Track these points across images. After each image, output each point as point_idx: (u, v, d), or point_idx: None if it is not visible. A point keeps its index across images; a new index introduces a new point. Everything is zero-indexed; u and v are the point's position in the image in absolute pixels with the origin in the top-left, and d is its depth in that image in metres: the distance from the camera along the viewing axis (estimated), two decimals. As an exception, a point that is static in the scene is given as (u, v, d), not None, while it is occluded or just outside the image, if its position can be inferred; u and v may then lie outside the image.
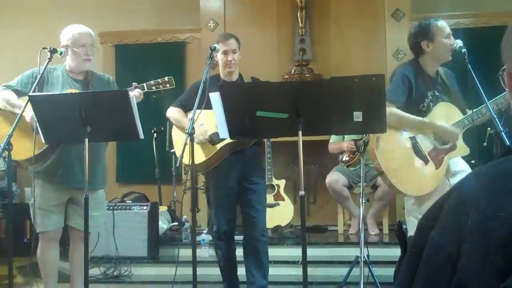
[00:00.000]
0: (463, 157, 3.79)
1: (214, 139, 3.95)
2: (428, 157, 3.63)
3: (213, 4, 7.21)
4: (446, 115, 3.70)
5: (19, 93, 3.84)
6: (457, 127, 3.66)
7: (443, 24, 3.75)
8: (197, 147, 3.90)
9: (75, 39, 3.84)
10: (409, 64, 3.81)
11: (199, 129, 3.87)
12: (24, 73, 3.91)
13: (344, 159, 5.94)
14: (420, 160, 3.63)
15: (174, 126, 4.22)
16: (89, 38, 3.89)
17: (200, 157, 3.97)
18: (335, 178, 5.85)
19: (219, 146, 3.98)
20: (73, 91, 3.80)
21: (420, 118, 3.64)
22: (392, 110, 3.56)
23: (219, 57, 4.07)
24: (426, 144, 3.66)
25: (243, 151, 4.07)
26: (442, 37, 3.70)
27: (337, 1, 7.09)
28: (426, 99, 3.70)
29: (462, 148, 3.70)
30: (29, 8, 7.76)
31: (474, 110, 3.61)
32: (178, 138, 4.16)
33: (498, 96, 3.55)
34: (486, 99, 3.41)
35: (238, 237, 4.30)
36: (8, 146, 3.28)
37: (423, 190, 3.58)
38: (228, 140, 3.89)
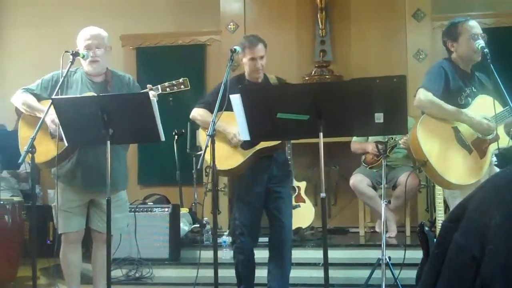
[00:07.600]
0: None
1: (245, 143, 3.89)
2: (472, 147, 3.57)
3: (233, 6, 7.23)
4: (484, 107, 3.63)
5: (38, 97, 3.86)
6: (495, 119, 3.57)
7: (470, 24, 3.70)
8: (224, 154, 3.88)
9: (80, 42, 3.86)
10: (445, 59, 3.80)
11: (235, 130, 3.82)
12: (44, 77, 3.93)
13: (367, 160, 5.92)
14: (464, 149, 3.56)
15: (200, 127, 4.16)
16: (94, 39, 3.84)
17: (228, 163, 3.95)
18: (358, 179, 5.82)
19: (249, 153, 3.94)
20: (91, 93, 3.83)
21: (456, 108, 3.58)
22: (430, 96, 3.55)
23: (245, 61, 4.02)
24: (469, 134, 3.58)
25: (271, 156, 4.06)
26: (465, 38, 3.67)
27: (357, 2, 7.07)
28: (463, 93, 3.66)
29: (504, 138, 3.61)
30: (49, 11, 7.86)
31: None
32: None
33: None
34: (509, 100, 3.36)
35: (263, 239, 4.26)
36: (32, 149, 3.30)
37: (469, 179, 3.50)
38: (259, 146, 3.89)
